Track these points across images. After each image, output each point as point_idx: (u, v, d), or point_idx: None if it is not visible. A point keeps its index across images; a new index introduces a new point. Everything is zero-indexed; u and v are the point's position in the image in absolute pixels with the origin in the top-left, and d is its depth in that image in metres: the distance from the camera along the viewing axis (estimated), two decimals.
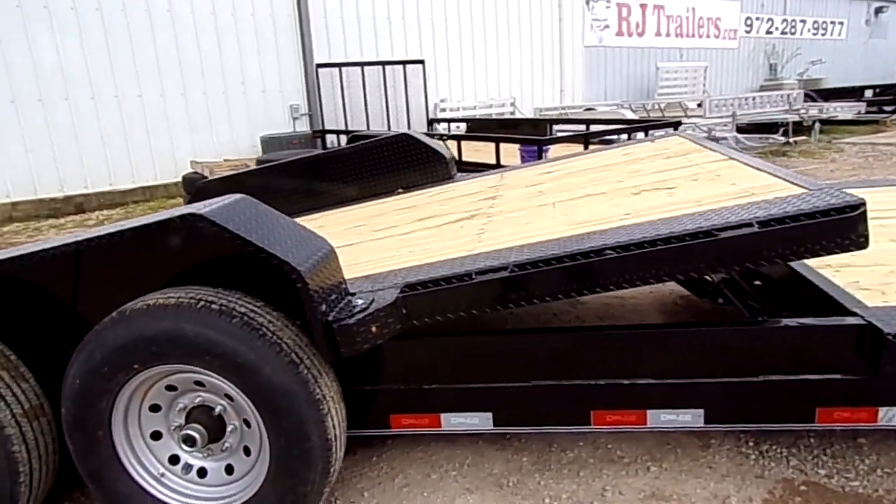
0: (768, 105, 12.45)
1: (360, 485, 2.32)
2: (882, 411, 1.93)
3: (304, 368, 1.80)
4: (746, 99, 12.35)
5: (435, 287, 1.91)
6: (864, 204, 1.70)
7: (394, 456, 2.47)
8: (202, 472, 2.01)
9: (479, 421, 2.14)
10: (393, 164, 4.30)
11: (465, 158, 7.90)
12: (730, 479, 2.18)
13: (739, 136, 9.05)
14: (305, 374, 1.80)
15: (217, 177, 4.71)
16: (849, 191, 1.78)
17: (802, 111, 12.14)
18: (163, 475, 2.01)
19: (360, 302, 1.84)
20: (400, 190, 4.28)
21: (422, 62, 12.32)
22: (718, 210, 1.92)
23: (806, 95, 16.15)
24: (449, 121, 12.70)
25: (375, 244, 2.68)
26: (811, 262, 2.46)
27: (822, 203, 1.72)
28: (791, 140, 12.24)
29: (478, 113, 14.25)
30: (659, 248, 1.74)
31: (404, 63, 12.14)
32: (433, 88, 13.93)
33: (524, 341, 2.12)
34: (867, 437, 2.32)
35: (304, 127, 12.28)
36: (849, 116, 14.37)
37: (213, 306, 1.79)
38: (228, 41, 11.37)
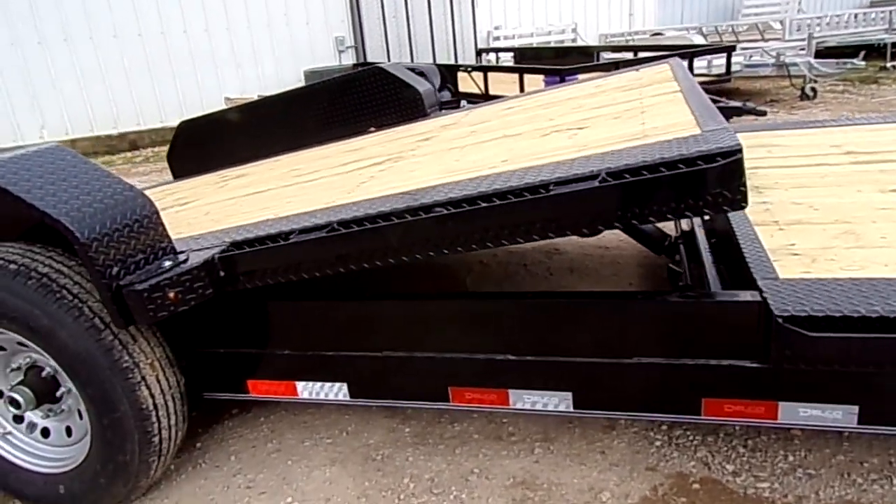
0: (865, 24, 10.92)
1: (234, 447, 2.23)
2: (782, 406, 1.57)
3: (108, 334, 1.67)
4: (839, 18, 10.86)
5: (252, 247, 1.70)
6: (735, 152, 1.30)
7: (280, 419, 2.35)
8: (45, 432, 1.96)
9: (334, 392, 1.95)
10: (365, 101, 4.02)
11: (491, 91, 7.44)
12: (618, 468, 1.90)
13: (814, 61, 7.95)
14: (110, 340, 1.67)
15: (196, 116, 4.61)
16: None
17: None
18: (8, 433, 1.98)
19: (167, 264, 1.67)
20: (372, 129, 4.01)
21: None
22: (590, 157, 1.56)
23: None
24: (497, 50, 12.03)
25: (270, 194, 2.49)
26: (754, 217, 2.04)
27: (676, 152, 1.34)
28: (889, 65, 10.76)
29: (535, 41, 13.41)
30: (479, 207, 1.44)
31: None
32: (487, 15, 13.19)
33: (378, 308, 1.88)
34: (804, 429, 1.96)
35: (350, 59, 12.02)
36: None
37: (11, 266, 1.67)
38: None
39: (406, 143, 2.89)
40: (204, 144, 4.50)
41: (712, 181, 1.32)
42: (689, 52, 6.72)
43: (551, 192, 1.39)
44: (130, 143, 10.69)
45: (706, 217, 1.70)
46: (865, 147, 2.71)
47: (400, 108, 3.97)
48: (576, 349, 1.69)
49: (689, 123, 1.66)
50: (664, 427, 2.05)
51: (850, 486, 1.73)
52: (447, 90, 8.22)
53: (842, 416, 1.54)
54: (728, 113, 5.82)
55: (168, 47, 10.66)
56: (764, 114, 5.86)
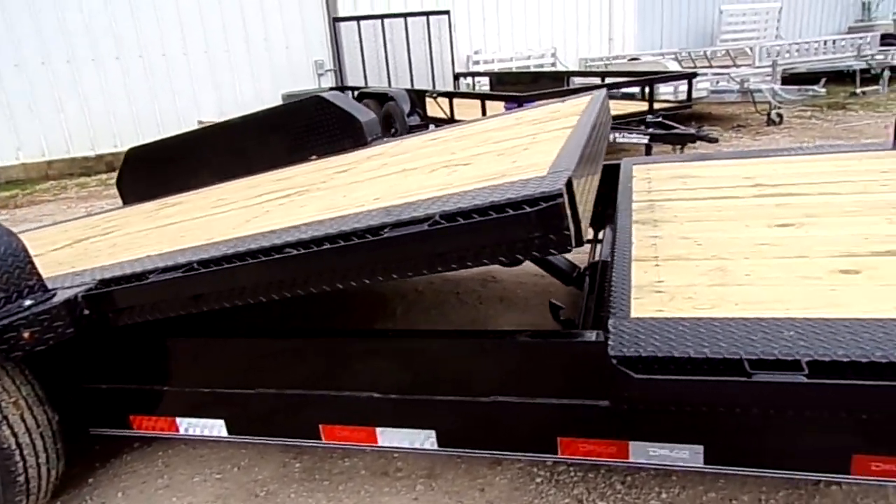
0: (834, 52, 11.08)
1: (125, 483, 2.21)
2: (632, 446, 1.57)
3: None
4: (808, 45, 11.03)
5: (116, 286, 1.71)
6: (555, 196, 1.31)
7: (178, 453, 2.33)
8: None
9: (212, 428, 1.95)
10: (306, 130, 4.06)
11: (456, 115, 7.51)
12: None
13: (777, 88, 8.07)
14: None
15: (145, 143, 4.64)
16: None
17: (871, 57, 10.70)
18: None
19: (27, 303, 1.67)
20: (314, 157, 4.04)
21: (447, 13, 11.75)
22: (442, 198, 1.58)
23: (888, 37, 14.31)
24: (473, 74, 12.16)
25: (177, 227, 2.50)
26: (638, 251, 2.06)
27: (505, 196, 1.36)
28: (859, 90, 10.92)
29: (514, 65, 13.57)
30: (314, 250, 1.45)
31: (427, 14, 11.63)
32: (466, 40, 13.36)
33: (251, 346, 1.89)
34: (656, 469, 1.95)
35: (329, 83, 12.12)
36: None
37: None
38: None
39: (325, 174, 2.92)
40: (152, 171, 4.53)
41: (536, 224, 1.34)
42: (649, 80, 6.82)
43: (383, 236, 1.41)
44: (107, 164, 10.71)
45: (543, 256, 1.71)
46: (774, 180, 2.75)
47: (341, 137, 4.00)
48: (436, 388, 1.69)
49: (545, 164, 1.69)
50: (549, 464, 2.05)
51: None
52: (416, 114, 8.31)
53: (688, 455, 1.54)
54: (682, 139, 5.92)
55: (147, 70, 10.76)
56: (715, 141, 5.96)
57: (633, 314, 1.61)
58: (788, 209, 2.33)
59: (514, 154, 2.05)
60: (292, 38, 11.91)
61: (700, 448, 1.52)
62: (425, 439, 1.74)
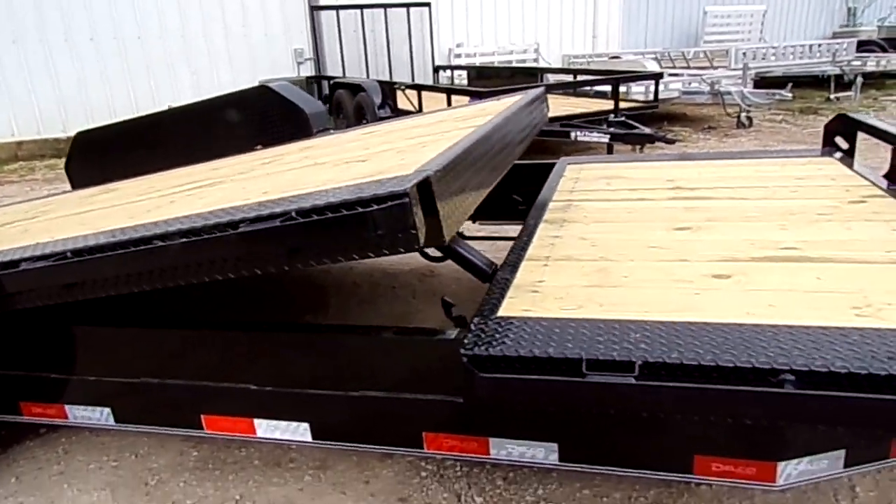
0: (809, 56, 11.16)
1: (22, 468, 2.21)
2: (492, 442, 1.60)
3: None
4: (784, 49, 11.10)
5: None
6: (399, 196, 1.33)
7: (81, 440, 2.33)
8: None
9: (101, 416, 1.96)
10: (252, 118, 4.05)
11: (424, 108, 7.50)
12: (373, 498, 1.91)
13: (746, 91, 8.12)
14: None
15: (93, 127, 4.61)
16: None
17: (846, 63, 10.78)
18: None
19: None
20: (259, 146, 4.04)
21: (427, 5, 11.70)
22: (314, 194, 1.59)
23: (872, 44, 14.42)
24: (452, 68, 12.14)
25: (91, 214, 2.50)
26: (534, 250, 2.09)
27: (356, 195, 1.37)
28: (833, 96, 11.01)
29: (496, 60, 13.54)
30: (171, 244, 1.46)
31: (408, 6, 11.57)
32: (449, 32, 13.32)
33: (136, 336, 1.90)
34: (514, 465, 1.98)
35: (308, 71, 12.05)
36: None
37: None
38: None
39: (250, 165, 2.91)
40: (100, 156, 4.51)
41: (381, 223, 1.35)
42: (615, 79, 6.85)
43: (239, 231, 1.42)
44: None
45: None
46: (694, 183, 2.78)
47: (286, 127, 4.00)
48: (309, 381, 1.71)
49: (417, 164, 1.69)
50: (438, 459, 2.07)
51: None
52: (387, 106, 8.28)
53: (544, 453, 1.57)
54: (641, 139, 5.95)
55: (122, 52, 10.65)
56: (672, 142, 6.01)
57: (500, 313, 1.63)
58: (694, 213, 2.36)
59: (412, 151, 2.06)
60: (272, 25, 11.82)
61: (555, 446, 1.55)
62: (300, 431, 1.76)
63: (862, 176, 2.66)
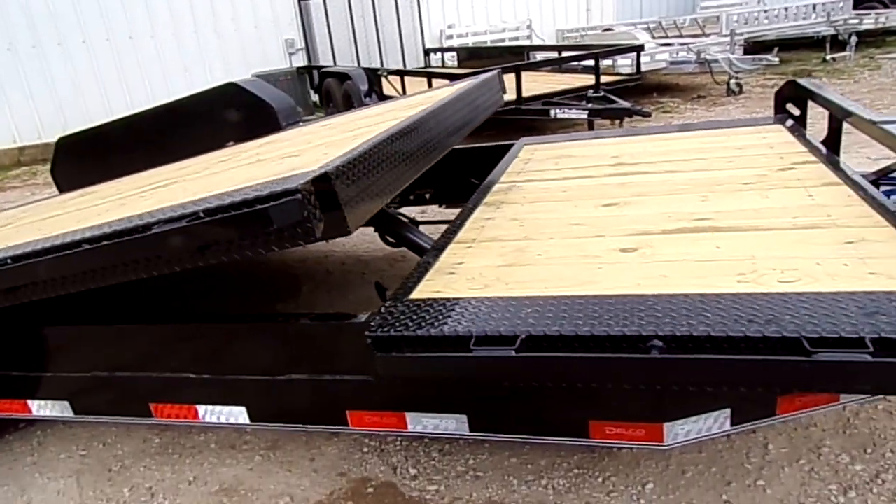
0: (803, 17, 10.99)
1: None
2: (409, 417, 1.70)
3: None
4: (778, 12, 10.95)
5: None
6: (290, 193, 1.41)
7: (55, 432, 2.48)
8: None
9: (59, 409, 2.09)
10: (221, 116, 4.14)
11: (408, 93, 7.55)
12: (315, 474, 2.03)
13: (733, 57, 8.05)
14: None
15: (74, 132, 4.73)
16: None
17: (842, 23, 10.59)
18: None
19: None
20: (231, 143, 4.13)
21: None
22: (231, 192, 1.69)
23: (870, 0, 14.11)
24: (443, 50, 12.13)
25: (51, 221, 2.62)
26: (465, 233, 2.17)
27: (254, 193, 1.46)
28: (829, 57, 10.83)
29: (489, 38, 13.48)
30: (89, 248, 1.56)
31: None
32: (440, 13, 13.28)
33: (85, 332, 2.02)
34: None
35: (300, 61, 12.09)
36: None
37: None
38: None
39: (206, 164, 3.01)
40: (82, 160, 4.63)
41: (277, 219, 1.44)
42: (595, 54, 6.82)
43: (151, 232, 1.52)
44: None
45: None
46: (638, 158, 2.83)
47: (255, 123, 4.08)
48: (243, 368, 1.82)
49: (330, 158, 1.77)
50: (381, 435, 2.19)
51: (504, 488, 1.87)
52: (374, 93, 8.33)
53: (455, 424, 1.67)
54: (618, 114, 5.96)
55: (115, 54, 10.77)
56: (648, 115, 6.01)
57: (413, 296, 1.71)
58: (626, 188, 2.42)
59: (339, 145, 2.14)
60: (262, 17, 11.87)
61: (464, 417, 1.65)
62: (238, 415, 1.88)
63: (803, 143, 2.69)
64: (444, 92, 3.02)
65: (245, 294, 3.64)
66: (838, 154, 2.72)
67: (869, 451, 1.82)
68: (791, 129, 2.95)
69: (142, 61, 11.01)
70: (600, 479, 1.85)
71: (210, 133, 4.14)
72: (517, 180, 2.78)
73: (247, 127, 4.08)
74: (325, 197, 1.51)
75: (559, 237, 2.02)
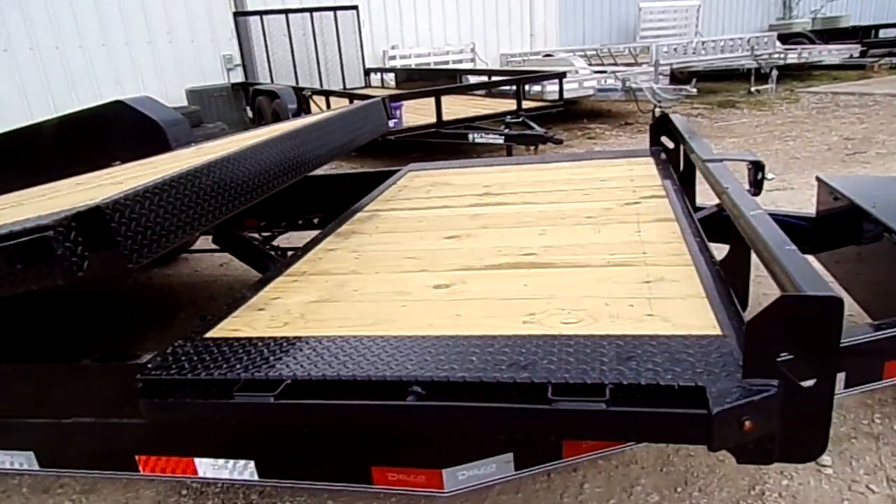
0: (730, 50, 11.43)
1: None
2: (198, 462, 1.62)
3: None
4: (704, 44, 11.37)
5: None
6: (44, 229, 1.33)
7: None
8: None
9: None
10: (107, 134, 4.00)
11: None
12: None
13: (656, 87, 8.28)
14: None
15: None
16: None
17: (766, 57, 11.07)
18: None
19: None
20: (117, 162, 3.99)
21: (355, 8, 11.68)
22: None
23: (802, 37, 14.83)
24: (382, 70, 12.16)
25: None
26: (304, 266, 2.11)
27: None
28: (753, 89, 11.27)
29: (432, 61, 13.58)
30: None
31: (335, 9, 11.53)
32: (383, 34, 13.31)
33: None
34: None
35: (238, 77, 11.92)
36: (835, 61, 13.17)
37: None
38: None
39: (68, 185, 2.89)
40: None
41: (27, 257, 1.36)
42: (518, 80, 6.92)
43: None
44: None
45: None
46: (506, 189, 2.82)
47: (144, 143, 3.95)
48: (29, 410, 1.71)
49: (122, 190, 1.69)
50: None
51: None
52: (302, 112, 8.27)
53: (244, 469, 1.59)
54: (532, 140, 6.03)
55: (40, 64, 10.41)
56: (560, 142, 6.10)
57: (210, 334, 1.64)
58: (475, 220, 2.40)
59: (157, 171, 2.06)
60: (198, 31, 11.67)
61: (252, 463, 1.57)
62: (25, 461, 1.76)
63: (663, 176, 2.73)
64: (308, 119, 2.97)
65: (119, 321, 3.49)
66: (693, 187, 2.78)
67: (679, 489, 1.82)
68: (658, 162, 3.00)
69: (70, 73, 10.67)
70: None
71: (98, 151, 3.99)
72: (381, 209, 2.74)
73: (135, 146, 3.94)
74: (96, 233, 1.43)
75: (386, 271, 1.98)
